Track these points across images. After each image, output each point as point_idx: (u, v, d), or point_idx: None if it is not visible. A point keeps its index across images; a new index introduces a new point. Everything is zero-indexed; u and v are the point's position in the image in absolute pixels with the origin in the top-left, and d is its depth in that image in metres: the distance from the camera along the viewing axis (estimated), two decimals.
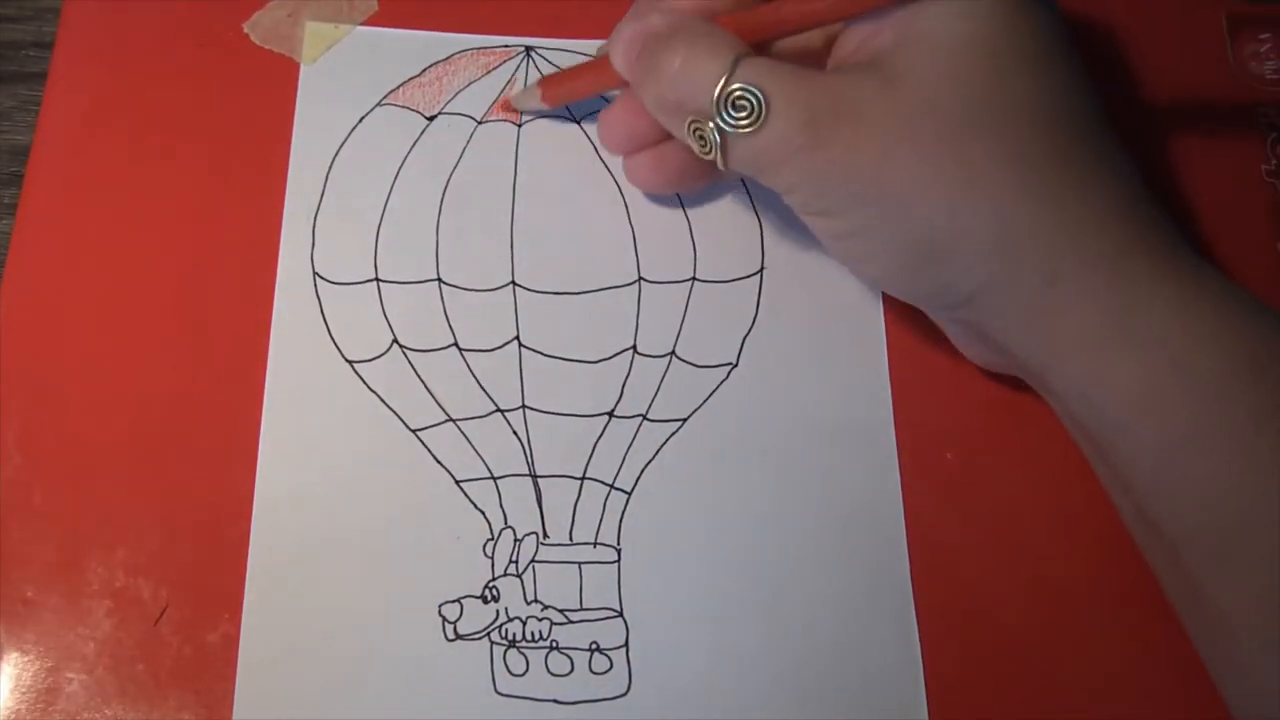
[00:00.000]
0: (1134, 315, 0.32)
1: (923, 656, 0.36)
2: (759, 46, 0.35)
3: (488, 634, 0.35)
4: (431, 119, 0.41)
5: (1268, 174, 0.44)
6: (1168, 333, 0.31)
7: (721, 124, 0.32)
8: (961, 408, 0.39)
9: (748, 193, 0.41)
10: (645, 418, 0.38)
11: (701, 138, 0.33)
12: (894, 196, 0.32)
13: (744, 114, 0.32)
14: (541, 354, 0.38)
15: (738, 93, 0.32)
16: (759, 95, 0.32)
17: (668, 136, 0.37)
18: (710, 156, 0.33)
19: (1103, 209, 0.32)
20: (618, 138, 0.39)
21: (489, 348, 0.38)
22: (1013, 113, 0.32)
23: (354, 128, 0.41)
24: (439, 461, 0.37)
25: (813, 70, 0.33)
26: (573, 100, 0.41)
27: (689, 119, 0.33)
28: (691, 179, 0.39)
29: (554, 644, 0.35)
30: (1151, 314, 0.32)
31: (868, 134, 0.31)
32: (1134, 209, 0.33)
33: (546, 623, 0.35)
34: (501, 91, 0.42)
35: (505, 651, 0.35)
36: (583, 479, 0.37)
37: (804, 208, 0.34)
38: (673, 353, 0.39)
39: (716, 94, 0.32)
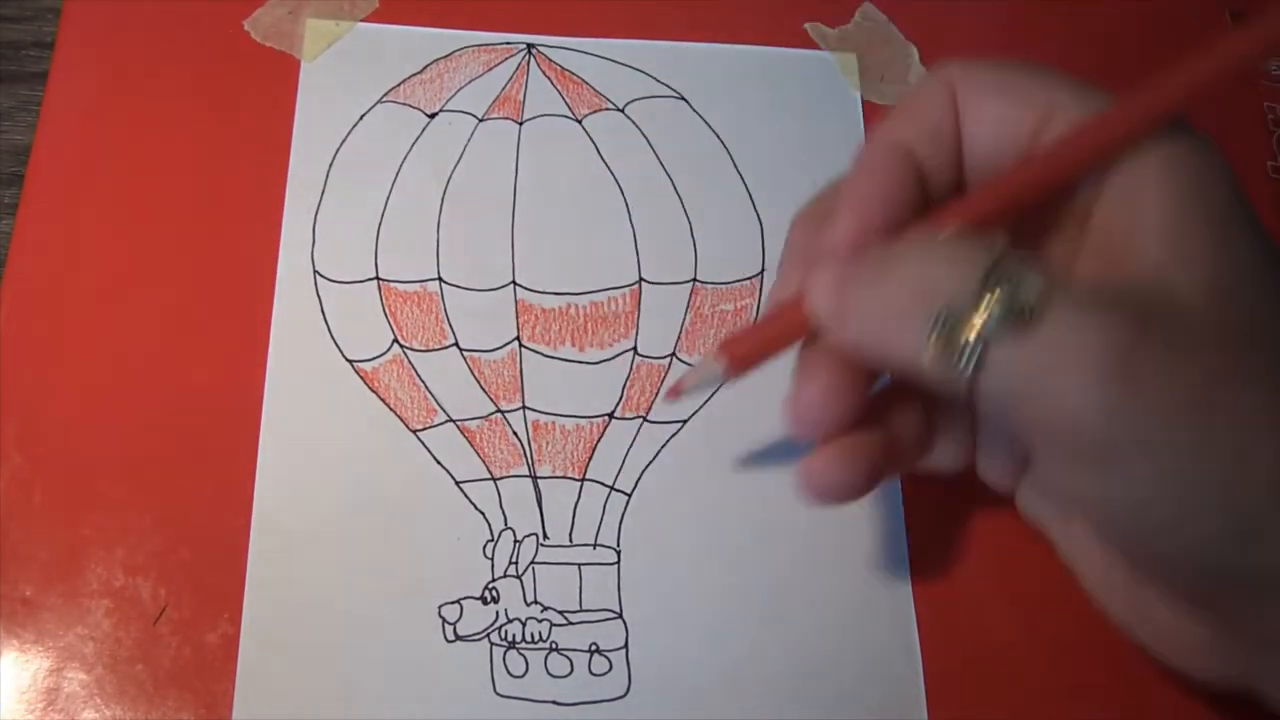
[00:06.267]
0: None
1: (923, 656, 0.36)
2: None
3: (487, 635, 0.35)
4: (432, 116, 0.41)
5: (1273, 171, 0.44)
6: None
7: (987, 318, 0.25)
8: None
9: (749, 194, 0.41)
10: (646, 419, 0.38)
11: (948, 342, 0.26)
12: (1222, 445, 0.25)
13: (1013, 310, 0.25)
14: (542, 354, 0.38)
15: (1008, 279, 0.25)
16: (1034, 285, 0.25)
17: (863, 421, 0.31)
18: (955, 372, 0.26)
19: None
20: (814, 411, 0.30)
21: (490, 348, 0.38)
22: None
23: (355, 125, 0.41)
24: (439, 462, 0.37)
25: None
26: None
27: (937, 313, 0.26)
28: (880, 476, 0.31)
29: (553, 645, 0.35)
30: None
31: (1181, 352, 0.25)
32: None
33: (546, 624, 0.35)
34: (503, 89, 0.42)
35: (505, 653, 0.35)
36: (583, 480, 0.37)
37: (1078, 452, 0.26)
38: (673, 354, 0.39)
39: (980, 276, 0.26)
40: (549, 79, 0.42)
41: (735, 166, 0.42)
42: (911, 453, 0.33)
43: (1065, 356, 0.25)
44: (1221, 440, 0.25)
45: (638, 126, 0.42)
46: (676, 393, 0.34)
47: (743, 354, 0.32)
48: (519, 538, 0.36)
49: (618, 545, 0.37)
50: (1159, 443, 0.25)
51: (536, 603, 0.36)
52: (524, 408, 0.38)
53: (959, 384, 0.26)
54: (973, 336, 0.26)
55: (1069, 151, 0.29)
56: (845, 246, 0.29)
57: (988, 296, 0.25)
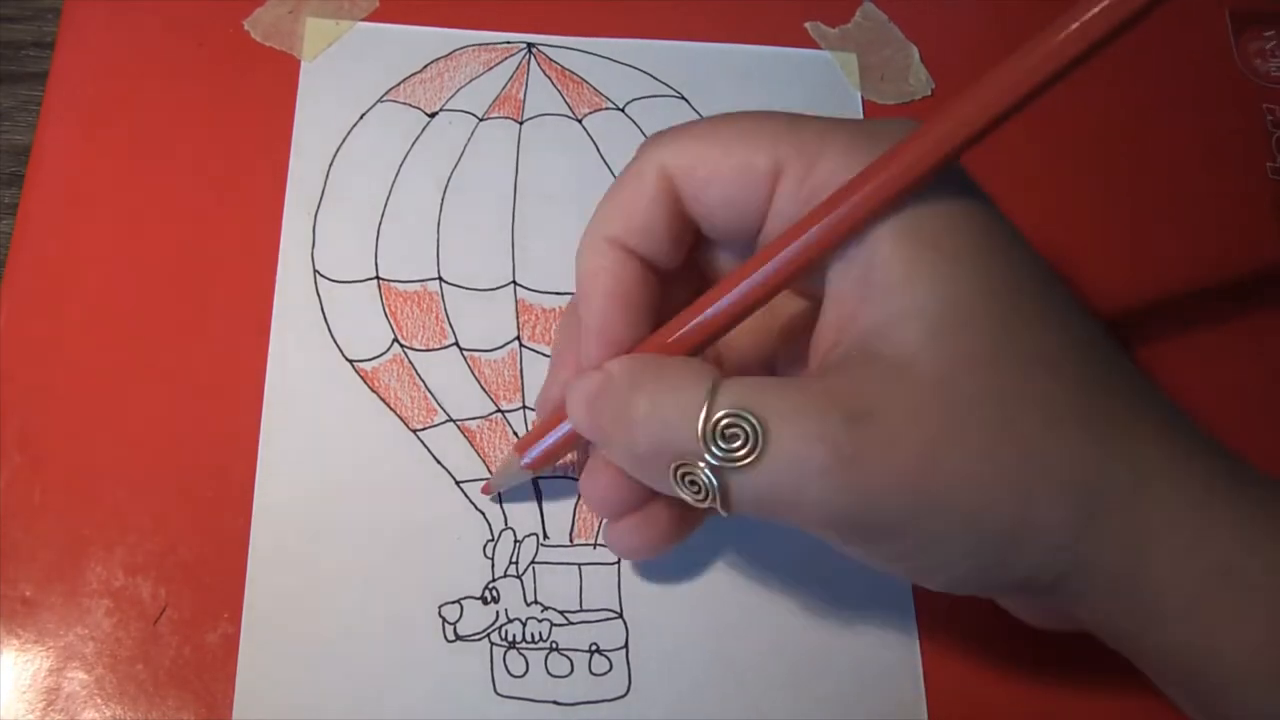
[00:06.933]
0: (1240, 568, 0.27)
1: (923, 656, 0.36)
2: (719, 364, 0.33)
3: (488, 635, 0.35)
4: (433, 116, 0.41)
5: (1272, 172, 0.44)
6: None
7: (714, 461, 0.27)
8: None
9: None
10: None
11: (694, 483, 0.28)
12: (950, 503, 0.27)
13: (739, 443, 0.27)
14: (542, 354, 0.38)
15: (725, 421, 0.27)
16: (752, 420, 0.27)
17: (654, 495, 0.32)
18: (708, 503, 0.28)
19: (1162, 444, 0.28)
20: (603, 504, 0.33)
21: (490, 348, 0.38)
22: (1037, 365, 0.27)
23: (355, 124, 0.41)
24: (439, 462, 0.37)
25: (801, 379, 0.28)
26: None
27: (674, 464, 0.28)
28: (680, 536, 0.34)
29: (554, 645, 0.35)
30: (1259, 560, 0.27)
31: (898, 435, 0.26)
32: (1182, 425, 0.29)
33: (546, 624, 0.35)
34: (504, 88, 0.42)
35: (505, 652, 0.35)
36: None
37: (841, 538, 0.29)
38: None
39: (700, 427, 0.27)
40: (549, 78, 0.42)
41: None
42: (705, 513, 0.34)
43: (790, 476, 0.27)
44: (947, 505, 0.27)
45: (638, 126, 0.42)
46: (488, 491, 0.37)
47: (537, 456, 0.34)
48: (519, 537, 0.36)
49: None
50: (890, 523, 0.27)
51: (537, 602, 0.36)
52: (524, 408, 0.38)
53: (716, 508, 0.28)
54: (708, 478, 0.28)
55: (785, 261, 0.28)
56: (592, 361, 0.31)
57: (708, 445, 0.27)
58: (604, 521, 0.36)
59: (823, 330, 0.29)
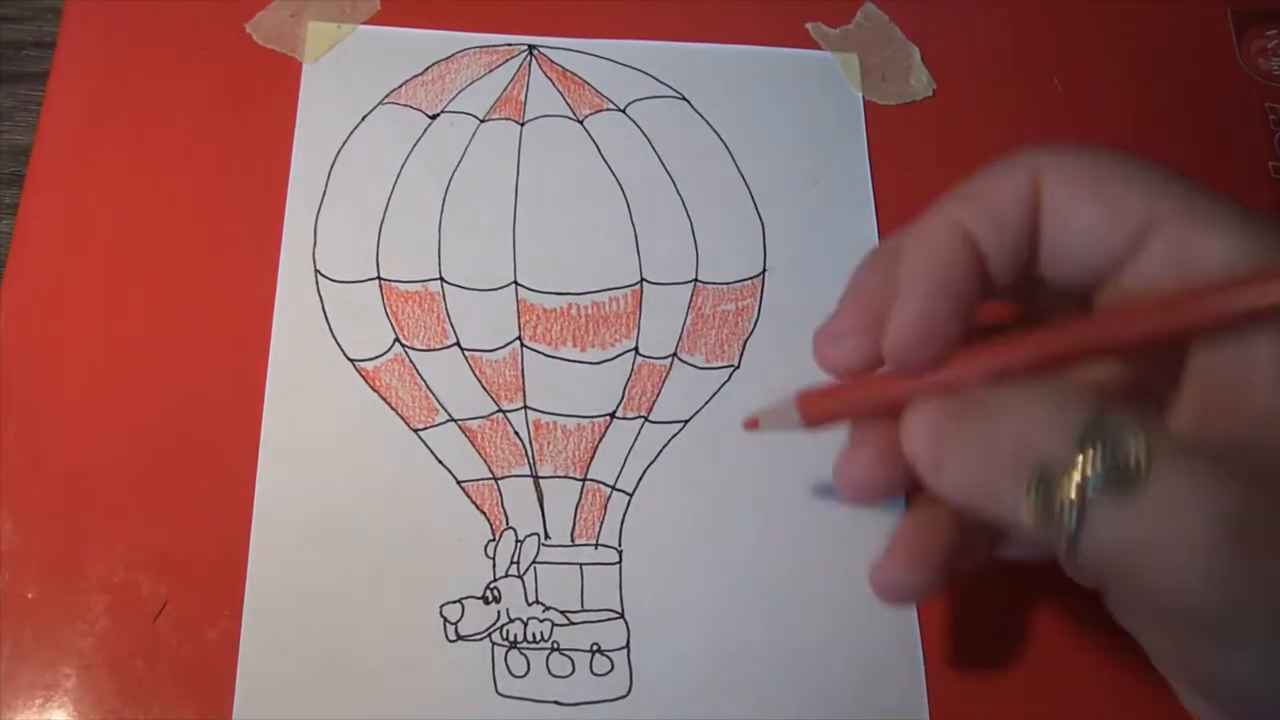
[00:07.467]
0: None
1: (924, 656, 0.36)
2: None
3: (489, 635, 0.35)
4: (434, 118, 0.41)
5: (1274, 171, 0.44)
6: None
7: (1085, 478, 0.24)
8: None
9: (750, 194, 0.41)
10: (647, 419, 0.38)
11: (1046, 501, 0.24)
12: None
13: (1114, 470, 0.24)
14: (543, 354, 0.38)
15: (1108, 436, 0.24)
16: (1136, 444, 0.23)
17: (904, 477, 0.30)
18: (1054, 532, 0.24)
19: None
20: (855, 485, 0.31)
21: (491, 347, 0.38)
22: None
23: (356, 126, 0.41)
24: (440, 462, 0.37)
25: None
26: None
27: (1031, 471, 0.24)
28: (945, 574, 0.31)
29: (555, 645, 0.35)
30: None
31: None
32: None
33: (548, 624, 0.35)
34: (505, 90, 0.42)
35: (506, 652, 0.35)
36: (584, 480, 0.37)
37: (1186, 626, 0.25)
38: (674, 354, 0.39)
39: (1078, 433, 0.24)
40: (550, 80, 0.42)
41: (736, 166, 0.42)
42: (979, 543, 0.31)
43: (1172, 520, 0.23)
44: None
45: (639, 127, 0.42)
46: (753, 426, 0.34)
47: (819, 416, 0.32)
48: (520, 537, 0.36)
49: (619, 545, 0.37)
50: (1275, 619, 0.23)
51: (538, 602, 0.36)
52: (525, 407, 0.38)
53: (1059, 543, 0.25)
54: (1071, 496, 0.24)
55: (1190, 313, 0.26)
56: (907, 338, 0.29)
57: (1086, 455, 0.24)
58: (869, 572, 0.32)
59: (1186, 405, 0.27)
